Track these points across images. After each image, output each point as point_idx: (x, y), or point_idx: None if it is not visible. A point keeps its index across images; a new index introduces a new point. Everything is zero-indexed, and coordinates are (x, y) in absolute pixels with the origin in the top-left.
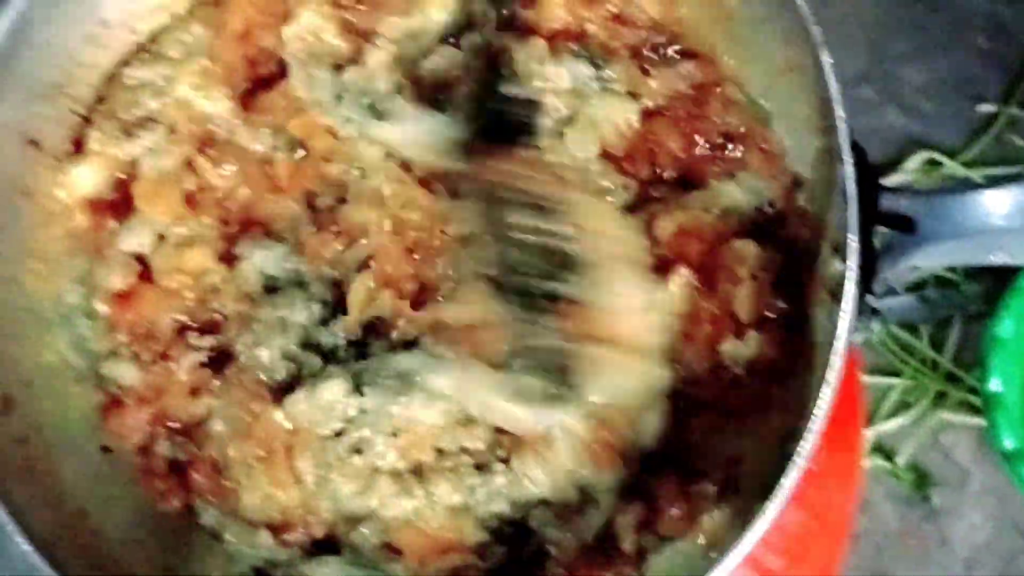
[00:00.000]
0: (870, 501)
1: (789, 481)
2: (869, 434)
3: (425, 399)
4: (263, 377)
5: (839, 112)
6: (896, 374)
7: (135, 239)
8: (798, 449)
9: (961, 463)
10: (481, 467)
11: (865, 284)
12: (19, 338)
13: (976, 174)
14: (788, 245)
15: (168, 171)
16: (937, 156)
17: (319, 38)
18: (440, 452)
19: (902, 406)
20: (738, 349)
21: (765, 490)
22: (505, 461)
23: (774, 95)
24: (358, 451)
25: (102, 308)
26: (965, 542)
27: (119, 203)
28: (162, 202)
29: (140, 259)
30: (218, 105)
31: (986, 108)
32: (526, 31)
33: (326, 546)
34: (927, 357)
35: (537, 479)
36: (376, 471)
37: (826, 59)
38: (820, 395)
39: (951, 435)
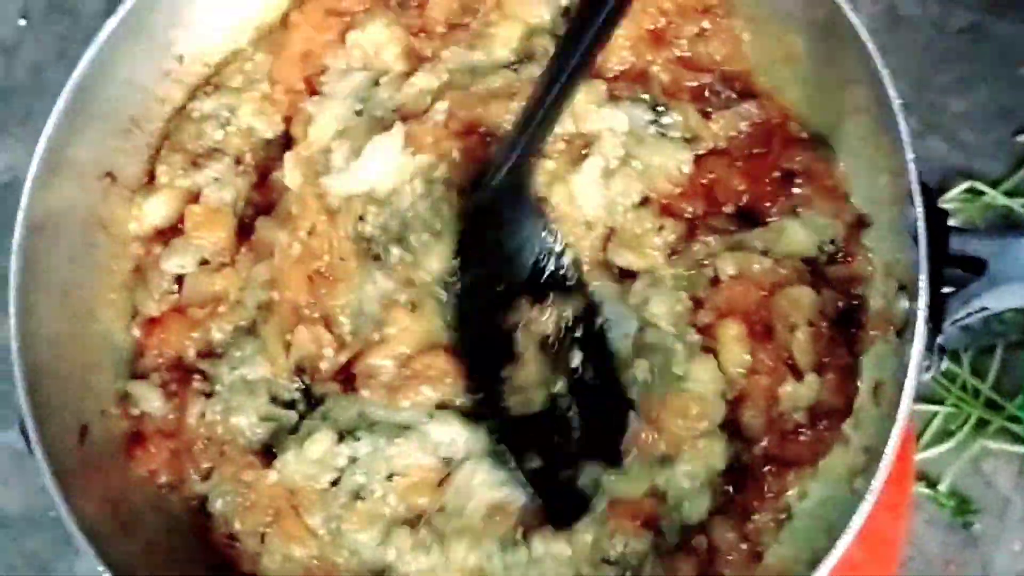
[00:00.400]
0: (912, 528)
1: (859, 518)
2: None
3: (420, 443)
4: (246, 444)
5: (909, 154)
6: (938, 402)
7: (178, 260)
8: (870, 487)
9: (1002, 490)
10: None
11: (934, 324)
12: (95, 368)
13: (1017, 204)
14: (846, 285)
15: (228, 203)
16: (979, 185)
17: (378, 53)
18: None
19: (944, 433)
20: (799, 392)
21: (831, 527)
22: (525, 535)
23: (839, 134)
24: (359, 497)
25: (135, 332)
26: (1006, 569)
27: (168, 229)
28: (212, 231)
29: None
30: (278, 131)
31: None
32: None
33: None
34: (969, 385)
35: (560, 556)
36: (381, 516)
37: (895, 100)
38: (891, 434)
39: (992, 462)
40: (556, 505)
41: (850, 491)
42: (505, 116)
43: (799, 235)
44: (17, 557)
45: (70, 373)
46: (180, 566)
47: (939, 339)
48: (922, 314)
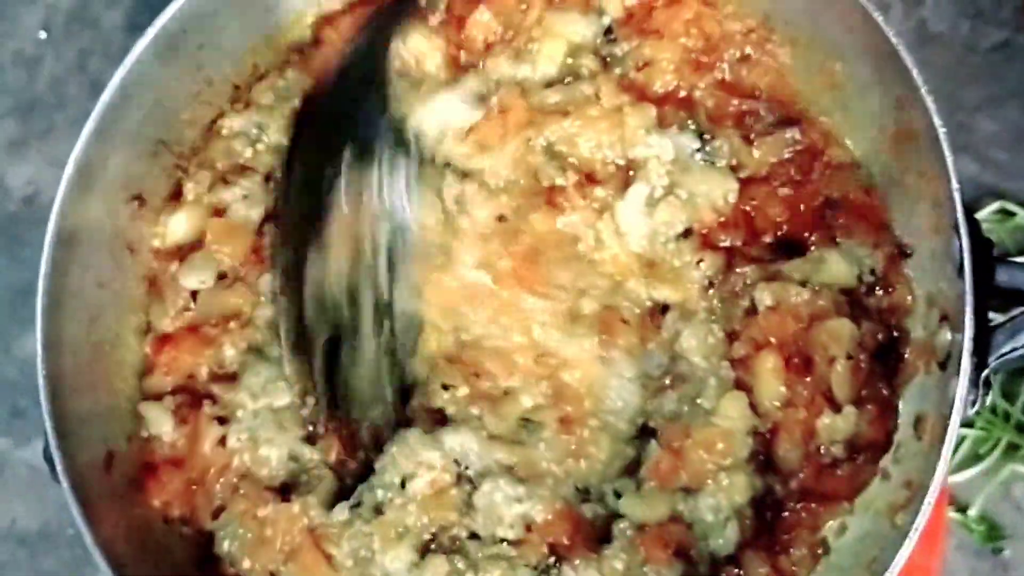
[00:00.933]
0: None
1: (903, 555)
2: None
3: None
4: (267, 477)
5: (954, 183)
6: (968, 425)
7: (197, 275)
8: (913, 524)
9: None
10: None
11: (980, 357)
12: (120, 393)
13: None
14: (886, 315)
15: (254, 220)
16: (1010, 206)
17: (420, 63)
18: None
19: (973, 457)
20: (836, 425)
21: (872, 563)
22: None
23: (881, 161)
24: (380, 511)
25: (146, 349)
26: None
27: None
28: (232, 244)
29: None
30: None
31: None
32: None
33: None
34: (999, 408)
35: None
36: (407, 531)
37: (940, 128)
38: (935, 468)
39: (1022, 487)
40: None
41: (892, 527)
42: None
43: (839, 266)
44: (34, 574)
45: (95, 399)
46: None
47: (984, 373)
48: (968, 347)
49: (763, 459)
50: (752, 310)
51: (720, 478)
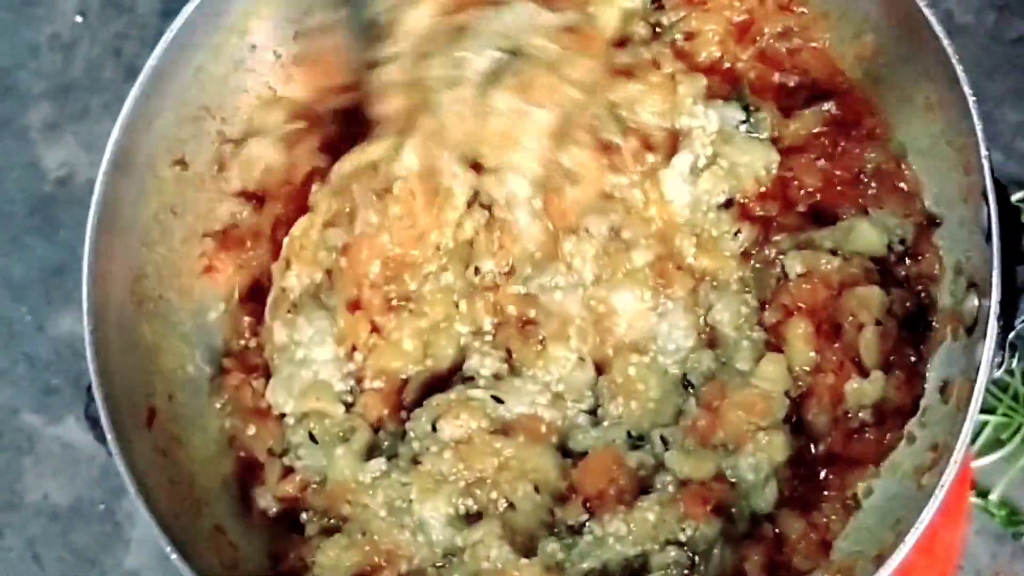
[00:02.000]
0: None
1: (928, 514)
2: None
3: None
4: None
5: (983, 150)
6: (989, 411)
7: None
8: (939, 483)
9: None
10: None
11: (1007, 321)
12: (164, 352)
13: None
14: (915, 283)
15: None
16: None
17: None
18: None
19: (995, 443)
20: (864, 390)
21: (898, 522)
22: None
23: (913, 132)
24: (417, 461)
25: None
26: None
27: None
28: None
29: None
30: None
31: None
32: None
33: None
34: (1020, 394)
35: (622, 537)
36: (443, 480)
37: (970, 97)
38: (962, 429)
39: None
40: None
41: (917, 488)
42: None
43: (869, 234)
44: (65, 550)
45: (139, 357)
46: (244, 551)
47: (1011, 335)
48: (995, 310)
49: (794, 422)
50: (784, 278)
51: (759, 438)
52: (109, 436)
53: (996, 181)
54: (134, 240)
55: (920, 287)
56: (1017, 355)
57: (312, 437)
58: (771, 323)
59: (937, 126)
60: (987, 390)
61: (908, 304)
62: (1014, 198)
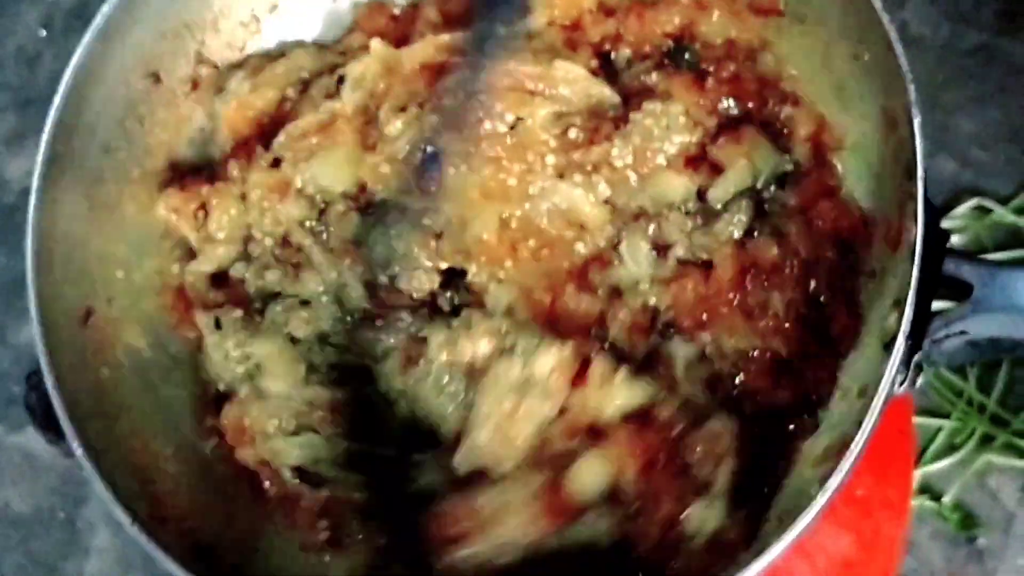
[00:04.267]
0: (916, 541)
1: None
2: (916, 475)
3: None
4: None
5: (920, 172)
6: (944, 416)
7: None
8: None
9: (1007, 505)
10: None
11: (915, 341)
12: (109, 260)
13: None
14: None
15: None
16: (987, 203)
17: None
18: None
19: (949, 448)
20: None
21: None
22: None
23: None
24: None
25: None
26: None
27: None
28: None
29: None
30: None
31: None
32: None
33: None
34: (974, 399)
35: None
36: None
37: (916, 118)
38: (856, 436)
39: (997, 477)
40: None
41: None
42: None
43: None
44: (25, 557)
45: (84, 259)
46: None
47: (917, 356)
48: (904, 327)
49: None
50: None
51: None
52: (34, 318)
53: (928, 202)
54: (96, 144)
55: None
56: (975, 363)
57: None
58: None
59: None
60: (942, 395)
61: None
62: (966, 206)
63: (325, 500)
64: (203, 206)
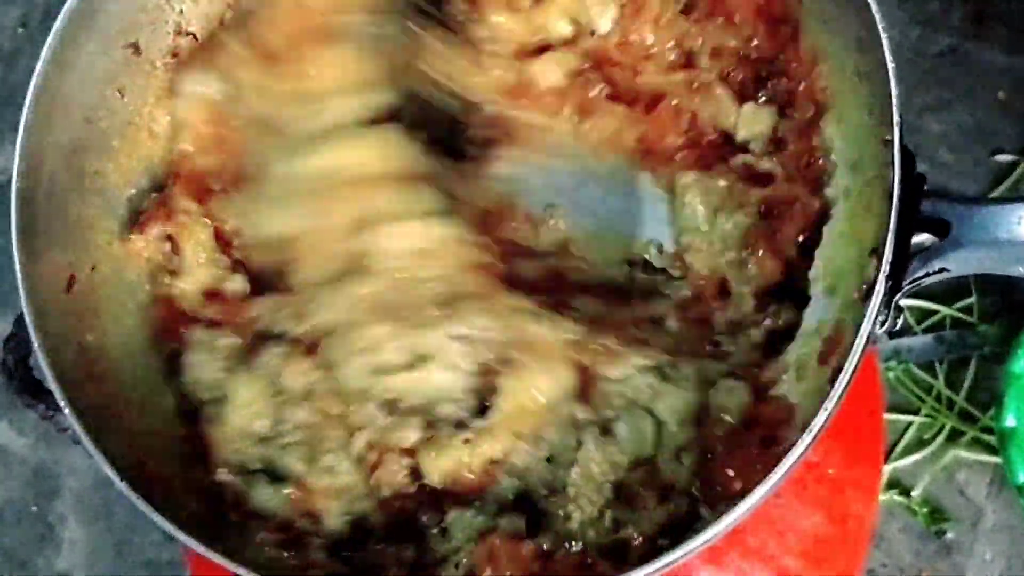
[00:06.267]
0: (885, 535)
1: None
2: (886, 469)
3: None
4: None
5: (896, 117)
6: (913, 412)
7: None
8: (804, 437)
9: (975, 500)
10: None
11: (895, 281)
12: (91, 226)
13: None
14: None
15: None
16: None
17: None
18: None
19: (918, 443)
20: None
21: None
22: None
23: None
24: None
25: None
26: None
27: None
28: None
29: None
30: None
31: (1004, 158)
32: None
33: None
34: (943, 395)
35: None
36: None
37: (890, 64)
38: (837, 382)
39: (965, 472)
40: None
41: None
42: None
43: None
44: None
45: (64, 225)
46: (148, 420)
47: (897, 296)
48: (885, 267)
49: None
50: None
51: None
52: (21, 286)
53: (904, 148)
54: (76, 113)
55: None
56: (944, 360)
57: None
58: None
59: (861, 96)
60: (911, 391)
61: None
62: None
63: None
64: (170, 237)
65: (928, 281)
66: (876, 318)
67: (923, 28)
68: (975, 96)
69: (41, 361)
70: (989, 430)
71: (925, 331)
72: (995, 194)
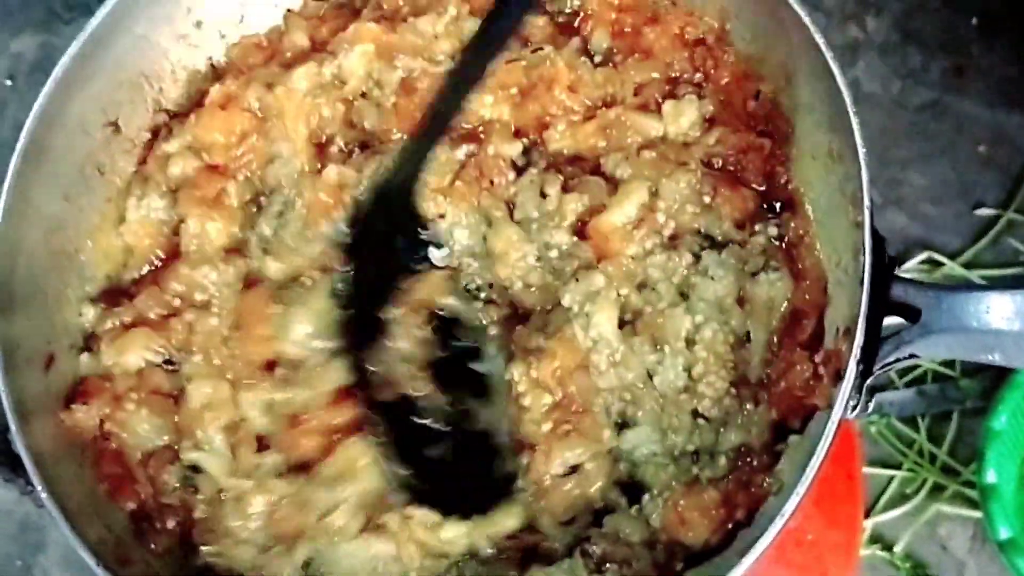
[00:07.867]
0: None
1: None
2: (868, 524)
3: None
4: None
5: (866, 201)
6: (895, 466)
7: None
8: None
9: (957, 554)
10: None
11: (866, 366)
12: (68, 305)
13: (974, 275)
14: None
15: None
16: (937, 256)
17: None
18: None
19: (900, 497)
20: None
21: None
22: None
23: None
24: None
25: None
26: None
27: None
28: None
29: None
30: None
31: (985, 212)
32: None
33: None
34: (925, 449)
35: None
36: None
37: (860, 146)
38: (810, 463)
39: (947, 526)
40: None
41: None
42: None
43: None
44: None
45: (43, 305)
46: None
47: (869, 380)
48: (856, 353)
49: None
50: None
51: None
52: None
53: (875, 232)
54: (56, 191)
55: None
56: (926, 414)
57: None
58: None
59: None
60: (893, 446)
61: None
62: (916, 260)
63: None
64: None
65: (899, 366)
66: (848, 402)
67: (904, 81)
68: (956, 149)
69: (18, 443)
70: (971, 484)
71: (907, 385)
72: (976, 248)
